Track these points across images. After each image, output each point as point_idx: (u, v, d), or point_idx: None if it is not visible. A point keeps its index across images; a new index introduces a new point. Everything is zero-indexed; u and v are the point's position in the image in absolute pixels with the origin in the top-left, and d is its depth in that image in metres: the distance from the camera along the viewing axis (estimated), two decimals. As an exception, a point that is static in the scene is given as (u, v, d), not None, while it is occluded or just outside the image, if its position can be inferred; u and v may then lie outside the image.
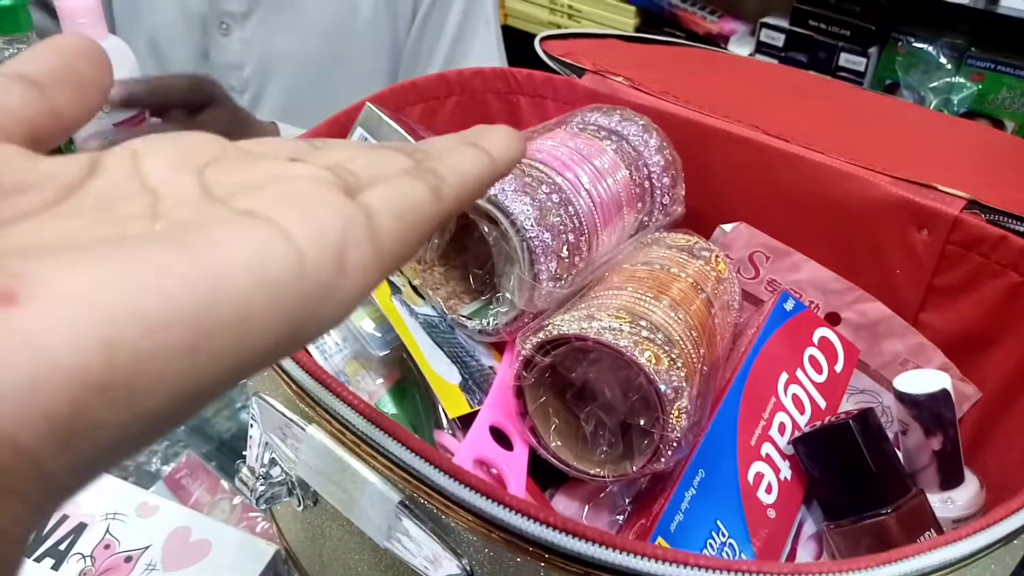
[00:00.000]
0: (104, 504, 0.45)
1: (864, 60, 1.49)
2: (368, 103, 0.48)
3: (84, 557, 0.42)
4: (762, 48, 1.62)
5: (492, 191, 0.39)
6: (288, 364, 0.32)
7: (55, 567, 0.42)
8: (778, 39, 1.59)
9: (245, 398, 0.66)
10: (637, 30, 1.72)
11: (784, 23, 1.58)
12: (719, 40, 1.66)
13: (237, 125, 0.71)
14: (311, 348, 0.41)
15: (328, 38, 0.88)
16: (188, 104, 0.67)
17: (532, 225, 0.39)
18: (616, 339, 0.35)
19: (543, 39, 0.61)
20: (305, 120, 0.90)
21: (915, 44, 1.46)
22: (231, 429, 0.64)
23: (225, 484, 0.58)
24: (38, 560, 0.42)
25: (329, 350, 0.42)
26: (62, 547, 0.43)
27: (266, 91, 0.90)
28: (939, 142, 0.55)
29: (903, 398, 0.39)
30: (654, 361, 0.34)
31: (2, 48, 0.62)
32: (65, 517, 0.44)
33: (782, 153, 0.49)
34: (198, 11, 0.86)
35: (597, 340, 0.35)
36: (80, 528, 0.44)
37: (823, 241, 0.49)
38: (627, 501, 0.40)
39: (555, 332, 0.36)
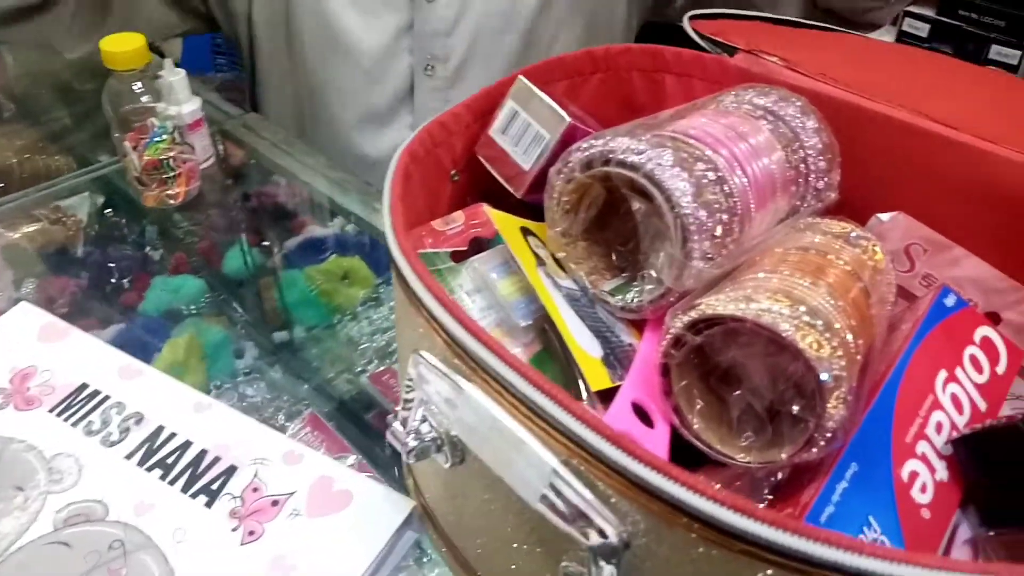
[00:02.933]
0: (253, 449, 0.47)
1: (1019, 53, 1.40)
2: (520, 76, 0.48)
3: (234, 498, 0.45)
4: (903, 38, 1.54)
5: (648, 165, 0.39)
6: (448, 321, 0.32)
7: (208, 504, 0.45)
8: (922, 29, 1.50)
9: (366, 362, 0.69)
10: (768, 16, 1.66)
11: (930, 12, 1.49)
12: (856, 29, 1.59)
13: None
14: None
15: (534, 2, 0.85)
16: None
17: (688, 202, 0.38)
18: (776, 322, 0.34)
19: (691, 18, 0.59)
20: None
21: (1078, 37, 1.36)
22: (351, 391, 0.66)
23: (344, 442, 0.60)
24: (193, 496, 0.45)
25: (475, 316, 0.43)
26: (214, 487, 0.45)
27: (471, 58, 0.87)
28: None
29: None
30: (816, 347, 0.33)
31: None
32: (217, 459, 0.47)
33: (949, 141, 0.46)
34: None
35: (756, 322, 0.34)
36: (231, 470, 0.46)
37: (988, 236, 0.46)
38: (766, 490, 0.39)
39: (709, 311, 0.35)
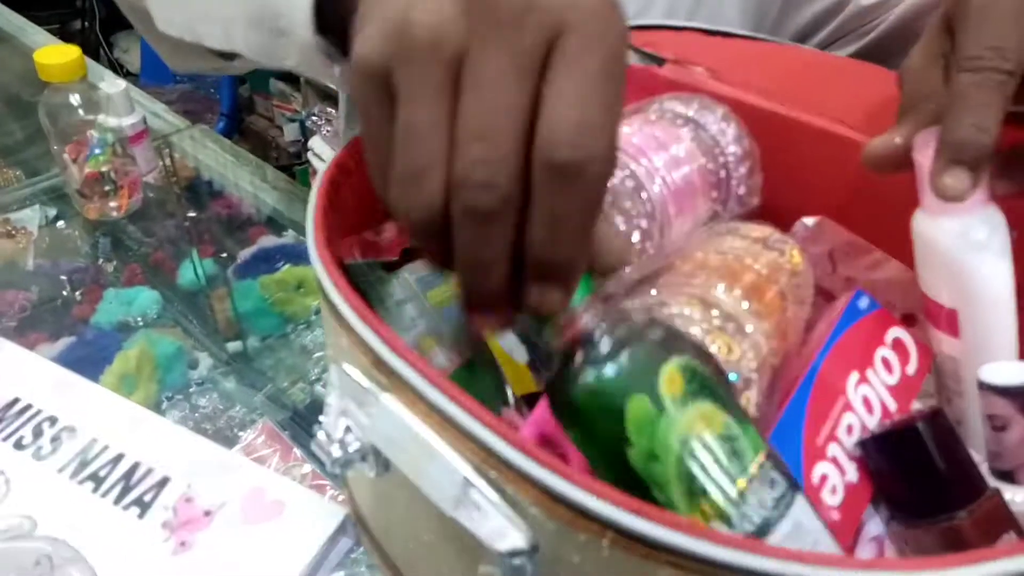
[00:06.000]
0: (186, 460, 0.47)
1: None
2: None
3: (167, 508, 0.45)
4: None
5: (567, 175, 0.40)
6: (367, 334, 0.33)
7: (140, 516, 0.45)
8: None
9: (320, 371, 0.69)
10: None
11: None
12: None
13: None
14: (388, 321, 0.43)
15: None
16: None
17: (604, 210, 0.39)
18: (686, 326, 0.35)
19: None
20: None
21: None
22: (305, 400, 0.66)
23: (297, 452, 0.60)
24: (125, 508, 0.45)
25: (404, 325, 0.43)
26: (147, 498, 0.46)
27: None
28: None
29: (998, 391, 0.37)
30: (725, 351, 0.34)
31: None
32: (150, 470, 0.47)
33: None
34: None
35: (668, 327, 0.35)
36: (164, 481, 0.46)
37: (907, 239, 0.47)
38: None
39: (625, 317, 0.36)
